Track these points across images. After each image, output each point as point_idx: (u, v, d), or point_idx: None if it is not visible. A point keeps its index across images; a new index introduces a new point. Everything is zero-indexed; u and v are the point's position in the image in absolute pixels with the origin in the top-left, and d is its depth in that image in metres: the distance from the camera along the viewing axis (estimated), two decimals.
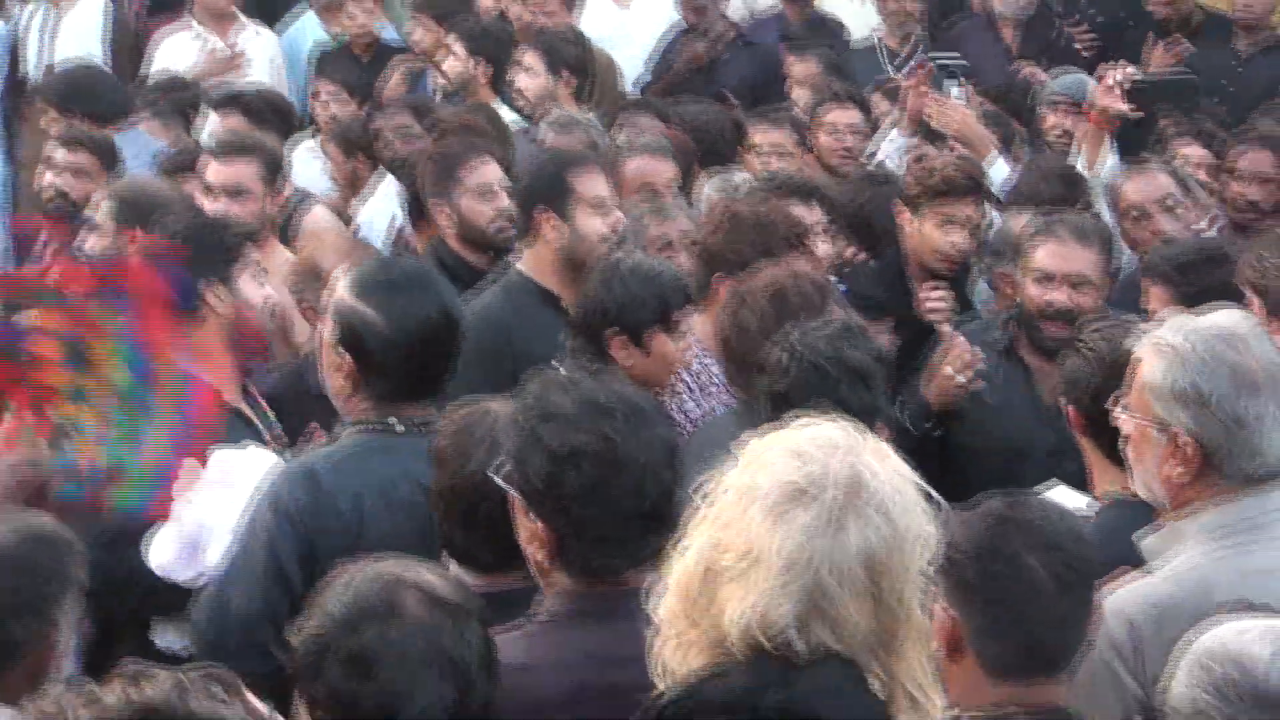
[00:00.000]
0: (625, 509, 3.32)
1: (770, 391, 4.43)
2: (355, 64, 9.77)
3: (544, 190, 5.88)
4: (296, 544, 4.18)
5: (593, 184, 5.92)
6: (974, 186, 6.54)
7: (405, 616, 3.02)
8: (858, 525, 2.69)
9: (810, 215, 6.08)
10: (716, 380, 5.50)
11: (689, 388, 5.52)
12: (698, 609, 2.74)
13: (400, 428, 4.28)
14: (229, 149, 6.81)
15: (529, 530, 3.38)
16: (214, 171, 6.65)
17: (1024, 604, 3.27)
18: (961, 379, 5.59)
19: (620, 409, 3.40)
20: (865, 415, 4.05)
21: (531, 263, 5.91)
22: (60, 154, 7.22)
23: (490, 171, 6.45)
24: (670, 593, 2.78)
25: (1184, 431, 3.75)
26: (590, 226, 5.81)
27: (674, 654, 2.77)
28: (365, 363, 4.30)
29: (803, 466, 2.72)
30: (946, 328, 5.91)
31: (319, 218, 7.37)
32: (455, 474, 3.73)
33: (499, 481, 3.44)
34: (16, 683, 3.25)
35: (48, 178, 7.15)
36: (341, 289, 4.38)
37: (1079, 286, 5.64)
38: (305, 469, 4.31)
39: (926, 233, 6.50)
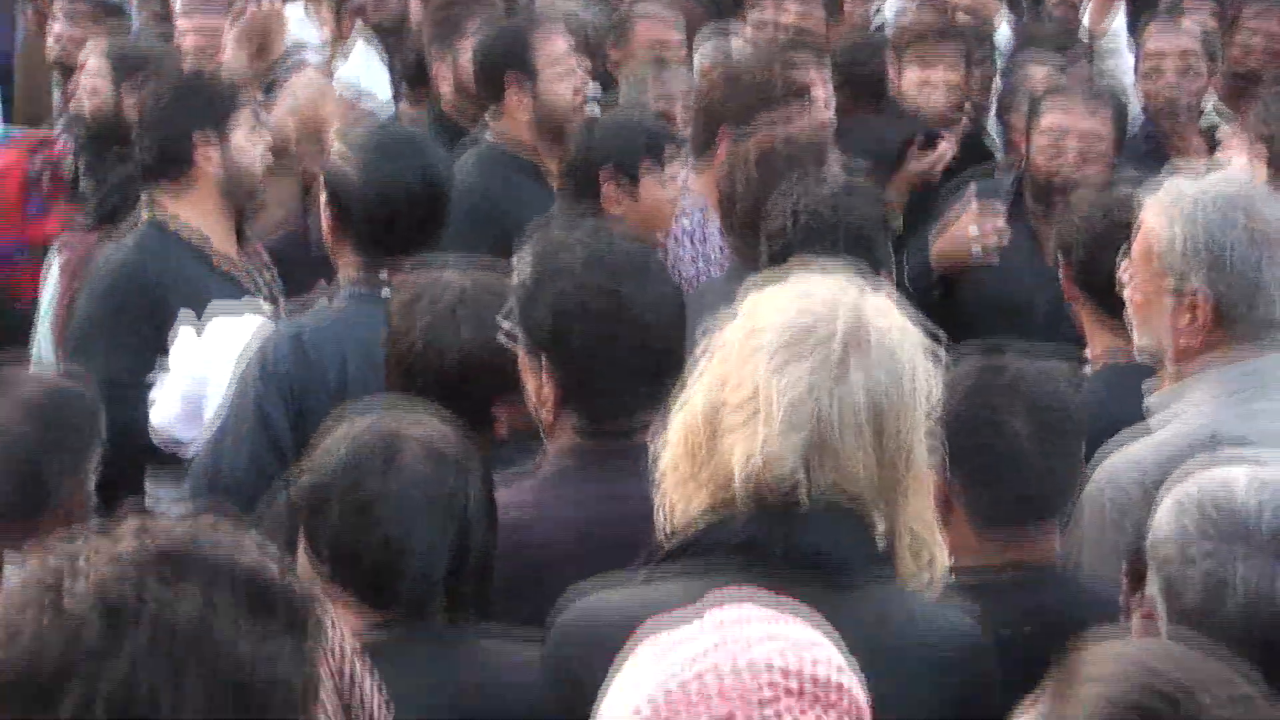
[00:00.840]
0: (630, 363, 3.38)
1: (770, 251, 4.46)
2: None
3: (506, 54, 5.85)
4: (284, 406, 4.22)
5: (553, 43, 5.87)
6: (950, 30, 6.53)
7: (405, 467, 3.04)
8: (861, 371, 2.70)
9: (813, 74, 6.03)
10: (716, 246, 5.53)
11: (689, 253, 5.53)
12: (701, 459, 2.75)
13: (386, 292, 4.28)
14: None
15: (535, 385, 3.43)
16: (188, 20, 6.65)
17: (1009, 465, 3.32)
18: (978, 249, 5.58)
19: (625, 261, 3.46)
20: (864, 269, 4.09)
21: (503, 132, 5.88)
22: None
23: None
24: (673, 443, 2.79)
25: (1197, 290, 3.75)
26: (558, 91, 5.78)
27: (677, 505, 2.79)
28: (344, 220, 4.38)
29: (805, 314, 2.73)
30: (972, 194, 5.85)
31: (307, 81, 7.30)
32: (395, 343, 3.79)
33: (504, 340, 3.48)
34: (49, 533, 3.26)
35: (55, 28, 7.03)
36: (334, 148, 4.47)
37: (1087, 150, 5.62)
38: (292, 333, 4.35)
39: (908, 80, 6.49)
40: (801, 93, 5.59)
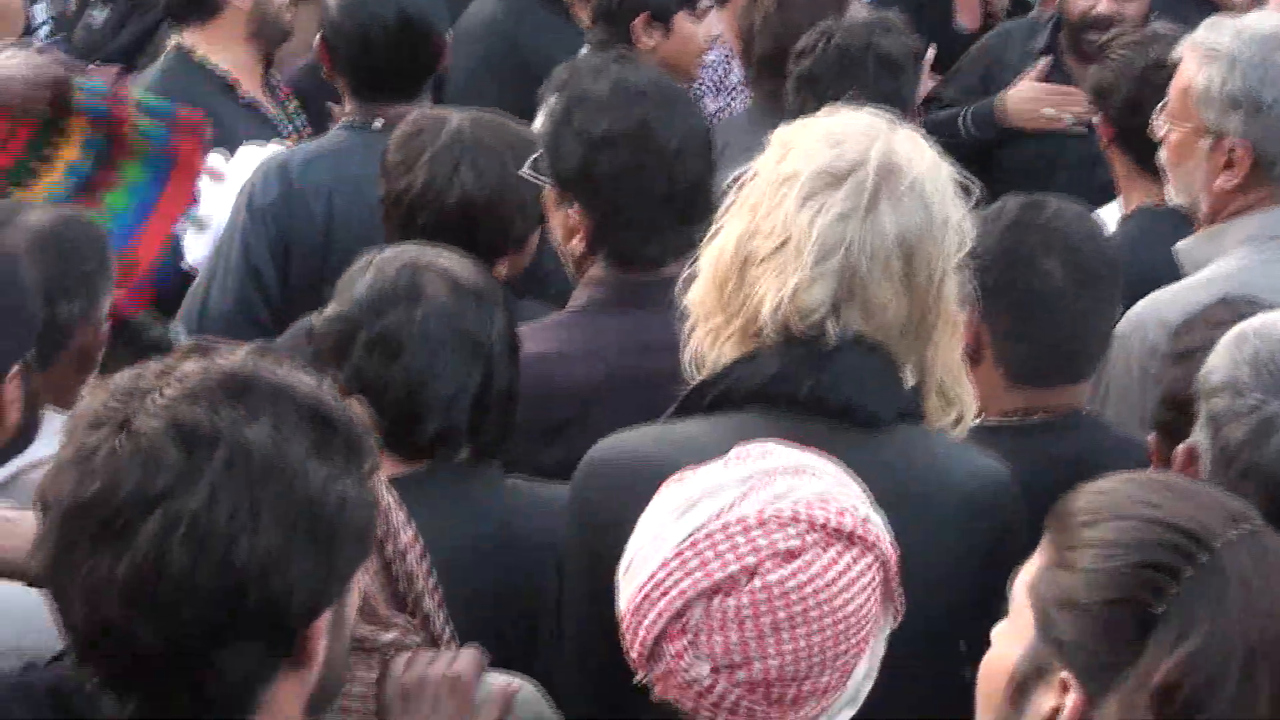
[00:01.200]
0: (658, 192, 3.39)
1: (799, 75, 4.50)
2: None
3: None
4: (267, 239, 4.24)
5: None
6: None
7: (428, 300, 3.04)
8: (892, 208, 2.69)
9: None
10: (736, 80, 5.53)
11: (709, 86, 5.51)
12: (730, 295, 2.75)
13: (378, 124, 4.32)
14: None
15: (564, 222, 3.46)
16: None
17: (1042, 306, 3.32)
18: (1052, 112, 5.54)
19: (653, 93, 3.47)
20: (890, 101, 4.10)
21: None
22: None
23: None
24: (703, 280, 2.79)
25: (1235, 136, 3.73)
26: None
27: (706, 343, 2.79)
28: (331, 55, 4.42)
29: (837, 150, 2.71)
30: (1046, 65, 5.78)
31: None
32: (394, 181, 3.79)
33: (527, 174, 3.49)
34: (64, 373, 3.18)
35: None
36: None
37: None
38: (280, 164, 4.37)
39: None
40: None
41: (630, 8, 5.12)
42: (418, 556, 2.61)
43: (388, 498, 2.58)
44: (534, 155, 3.48)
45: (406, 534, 2.61)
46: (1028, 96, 5.63)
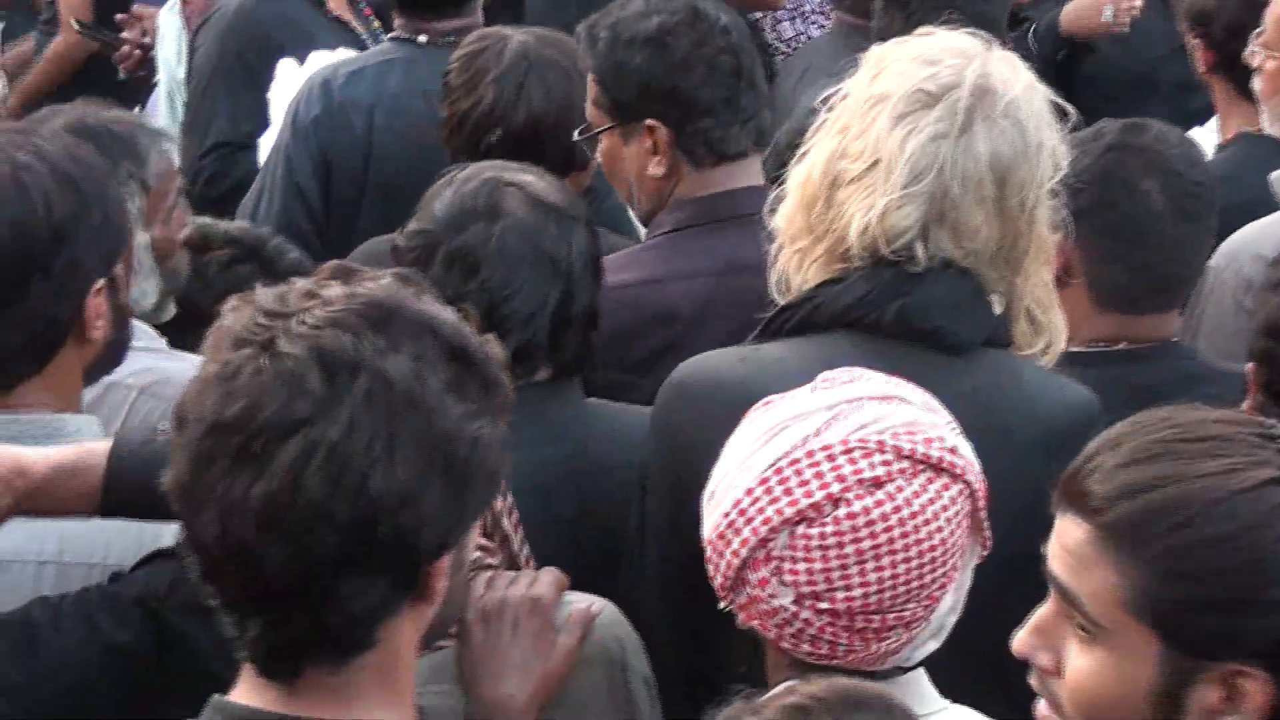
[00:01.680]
0: (727, 67, 3.45)
1: None
2: None
3: None
4: (309, 155, 4.26)
5: None
6: None
7: (507, 215, 3.03)
8: (986, 130, 2.68)
9: None
10: (814, 5, 5.52)
11: (785, 11, 5.49)
12: (818, 217, 2.74)
13: (423, 39, 4.33)
14: None
15: (636, 154, 3.49)
16: None
17: (1139, 229, 3.29)
18: (1109, 13, 5.49)
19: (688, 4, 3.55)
20: (980, 22, 4.05)
21: None
22: None
23: None
24: (790, 201, 2.78)
25: None
26: None
27: (792, 266, 2.79)
28: None
29: (931, 71, 2.70)
30: None
31: None
32: (457, 102, 3.79)
33: (579, 138, 3.57)
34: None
35: None
36: None
37: None
38: (323, 80, 4.37)
39: None
40: None
41: None
42: None
43: None
44: (580, 131, 3.55)
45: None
46: (1084, 3, 5.58)
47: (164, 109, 5.56)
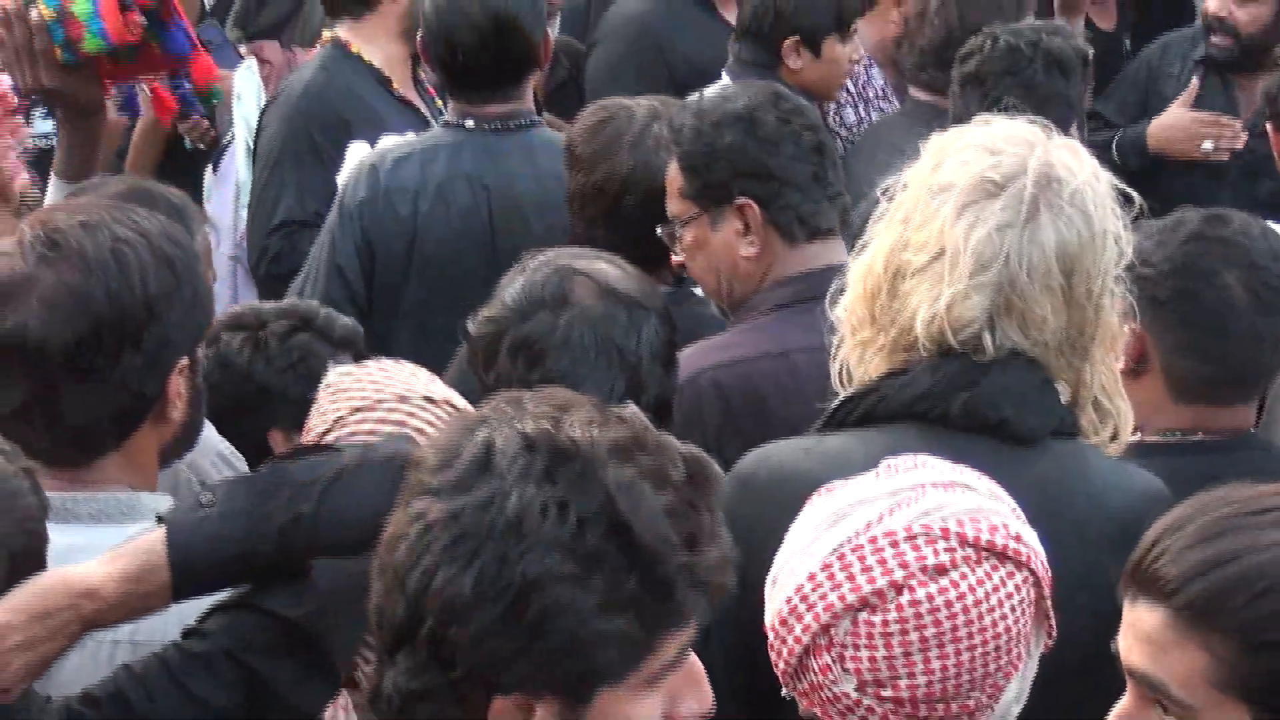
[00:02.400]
0: (809, 143, 3.51)
1: (964, 75, 4.50)
2: None
3: None
4: (353, 238, 4.29)
5: None
6: None
7: (574, 305, 3.05)
8: (1051, 217, 2.68)
9: None
10: (876, 90, 5.54)
11: (850, 97, 5.53)
12: (881, 308, 2.75)
13: (470, 124, 4.36)
14: None
15: (725, 241, 3.54)
16: None
17: (1219, 322, 3.26)
18: (1209, 146, 5.50)
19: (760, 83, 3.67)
20: (1057, 102, 4.13)
21: None
22: None
23: None
24: (852, 292, 2.80)
25: None
26: None
27: (854, 357, 2.80)
28: (426, 53, 4.48)
29: (994, 160, 2.71)
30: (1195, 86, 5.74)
31: None
32: (593, 170, 3.81)
33: (663, 235, 3.59)
34: None
35: None
36: None
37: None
38: (371, 165, 4.41)
39: None
40: None
41: (783, 29, 5.10)
42: None
43: None
44: (663, 225, 3.59)
45: None
46: (1178, 126, 5.61)
47: (242, 166, 5.60)
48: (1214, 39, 5.57)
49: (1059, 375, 2.76)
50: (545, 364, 3.00)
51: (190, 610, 2.45)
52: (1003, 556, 2.26)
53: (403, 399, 2.58)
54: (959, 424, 2.67)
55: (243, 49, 6.13)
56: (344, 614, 2.39)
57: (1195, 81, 5.63)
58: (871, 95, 5.52)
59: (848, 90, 5.49)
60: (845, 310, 2.81)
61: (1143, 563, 2.06)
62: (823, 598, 2.25)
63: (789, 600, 2.27)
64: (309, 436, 2.70)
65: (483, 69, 4.37)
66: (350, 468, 2.38)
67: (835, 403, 2.80)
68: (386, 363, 2.73)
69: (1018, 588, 2.23)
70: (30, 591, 2.31)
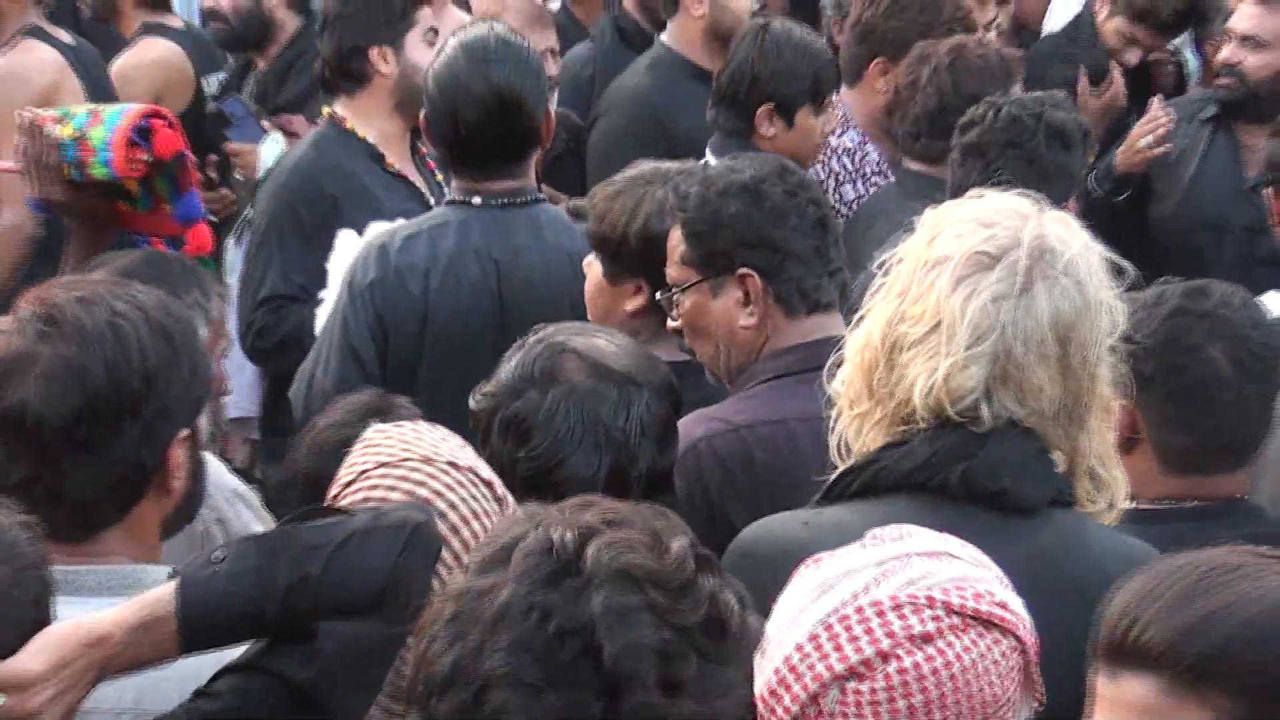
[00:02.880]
0: (813, 217, 3.52)
1: (965, 145, 4.51)
2: None
3: None
4: (366, 319, 4.29)
5: None
6: None
7: (562, 383, 3.08)
8: (1046, 289, 2.71)
9: (983, 10, 6.04)
10: (873, 166, 5.54)
11: (848, 172, 5.54)
12: (879, 381, 2.77)
13: (476, 200, 4.36)
14: None
15: (725, 309, 3.54)
16: None
17: (1205, 395, 3.27)
18: (1146, 142, 5.54)
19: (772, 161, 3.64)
20: (1059, 175, 4.14)
21: (678, 37, 5.89)
22: None
23: None
24: (849, 365, 2.82)
25: None
26: (739, 2, 5.79)
27: (851, 430, 2.82)
28: (429, 130, 4.47)
29: (988, 233, 2.74)
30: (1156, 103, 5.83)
31: None
32: (617, 228, 3.84)
33: (662, 299, 3.62)
34: None
35: None
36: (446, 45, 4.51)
37: (1254, 45, 5.58)
38: (380, 245, 4.41)
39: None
40: (970, 28, 5.58)
41: (756, 97, 5.13)
42: None
43: None
44: (661, 290, 3.62)
45: None
46: (1128, 143, 5.67)
47: None
48: (1221, 82, 5.60)
49: (1055, 444, 2.78)
50: (531, 441, 3.02)
51: (191, 675, 2.47)
52: (988, 624, 2.27)
53: (427, 460, 2.59)
54: (958, 494, 2.69)
55: (266, 123, 6.20)
56: (351, 677, 2.42)
57: (1155, 107, 5.65)
58: (869, 171, 5.51)
59: (846, 167, 5.50)
60: (843, 383, 2.83)
61: (1122, 636, 2.06)
62: (811, 668, 2.26)
63: (778, 671, 2.27)
64: (335, 486, 2.72)
65: (488, 146, 4.38)
66: (360, 532, 2.40)
67: (834, 475, 2.81)
68: (422, 426, 2.75)
69: (1004, 654, 2.24)
70: (47, 642, 2.35)
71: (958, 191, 3.94)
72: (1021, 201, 2.81)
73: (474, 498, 2.54)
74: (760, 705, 2.29)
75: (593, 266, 3.92)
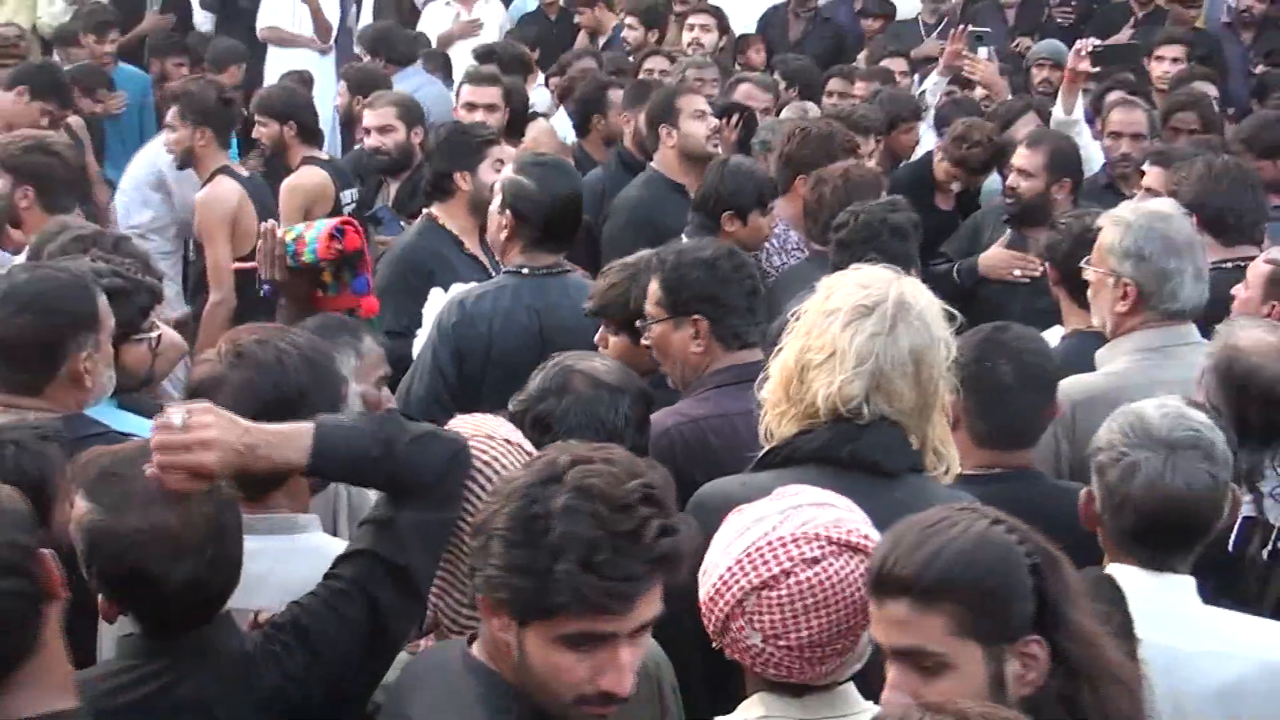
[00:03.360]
0: (748, 287, 3.49)
1: (837, 240, 4.46)
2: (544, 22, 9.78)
3: (659, 112, 5.78)
4: (449, 349, 4.23)
5: (692, 101, 5.80)
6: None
7: (571, 392, 3.06)
8: (906, 330, 2.70)
9: (865, 144, 6.03)
10: (793, 244, 5.53)
11: (776, 248, 5.52)
12: (794, 390, 2.75)
13: (525, 271, 4.30)
14: (482, 78, 6.71)
15: (684, 338, 3.48)
16: (470, 93, 6.56)
17: (998, 396, 3.27)
18: (1018, 272, 5.50)
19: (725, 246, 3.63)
20: (901, 258, 4.09)
21: (661, 162, 5.83)
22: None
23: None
24: (773, 380, 2.80)
25: (1127, 278, 3.72)
26: (694, 129, 5.70)
27: (774, 423, 2.80)
28: (520, 218, 4.29)
29: (866, 292, 2.73)
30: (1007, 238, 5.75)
31: (540, 126, 7.34)
32: (615, 297, 3.80)
33: (640, 325, 3.57)
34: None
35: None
36: (507, 170, 4.43)
37: (1023, 175, 5.52)
38: (459, 299, 4.34)
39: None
40: (853, 151, 5.59)
41: (722, 205, 5.10)
42: None
43: None
44: (641, 320, 3.58)
45: None
46: (999, 258, 5.61)
47: None
48: (1007, 201, 5.58)
49: (912, 432, 2.77)
50: (552, 432, 2.98)
51: (317, 573, 2.44)
52: (856, 549, 2.28)
53: (489, 437, 2.54)
54: (848, 464, 2.66)
55: (403, 222, 6.11)
56: (421, 551, 2.38)
57: (1009, 231, 5.64)
58: (790, 247, 5.51)
59: (774, 244, 5.49)
60: (768, 391, 2.81)
61: (883, 572, 2.08)
62: (737, 582, 2.26)
63: (714, 585, 2.28)
64: None
65: (560, 230, 4.34)
66: (430, 433, 2.40)
67: (762, 452, 2.80)
68: (489, 417, 2.69)
69: (868, 570, 2.22)
70: (219, 417, 2.29)
71: (837, 268, 3.96)
72: (887, 271, 2.81)
73: (514, 464, 2.48)
74: (704, 608, 2.28)
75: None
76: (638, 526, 2.00)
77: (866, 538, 2.29)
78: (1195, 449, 2.63)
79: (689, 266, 3.49)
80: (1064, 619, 2.07)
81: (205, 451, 2.24)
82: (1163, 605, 2.55)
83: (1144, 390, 3.41)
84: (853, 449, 2.69)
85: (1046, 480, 3.37)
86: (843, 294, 2.74)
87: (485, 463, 2.46)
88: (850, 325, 2.69)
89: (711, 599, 2.28)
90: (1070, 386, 3.56)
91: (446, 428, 2.55)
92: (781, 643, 2.24)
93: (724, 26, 8.73)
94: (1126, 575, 2.56)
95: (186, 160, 6.07)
